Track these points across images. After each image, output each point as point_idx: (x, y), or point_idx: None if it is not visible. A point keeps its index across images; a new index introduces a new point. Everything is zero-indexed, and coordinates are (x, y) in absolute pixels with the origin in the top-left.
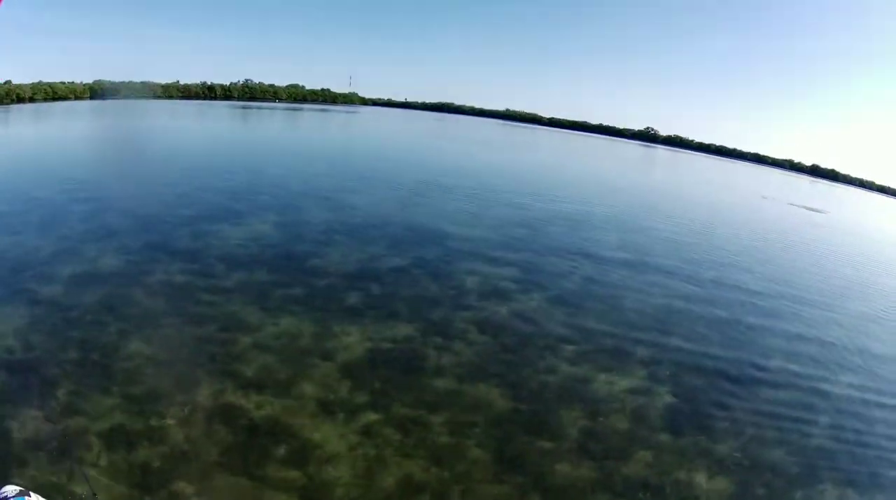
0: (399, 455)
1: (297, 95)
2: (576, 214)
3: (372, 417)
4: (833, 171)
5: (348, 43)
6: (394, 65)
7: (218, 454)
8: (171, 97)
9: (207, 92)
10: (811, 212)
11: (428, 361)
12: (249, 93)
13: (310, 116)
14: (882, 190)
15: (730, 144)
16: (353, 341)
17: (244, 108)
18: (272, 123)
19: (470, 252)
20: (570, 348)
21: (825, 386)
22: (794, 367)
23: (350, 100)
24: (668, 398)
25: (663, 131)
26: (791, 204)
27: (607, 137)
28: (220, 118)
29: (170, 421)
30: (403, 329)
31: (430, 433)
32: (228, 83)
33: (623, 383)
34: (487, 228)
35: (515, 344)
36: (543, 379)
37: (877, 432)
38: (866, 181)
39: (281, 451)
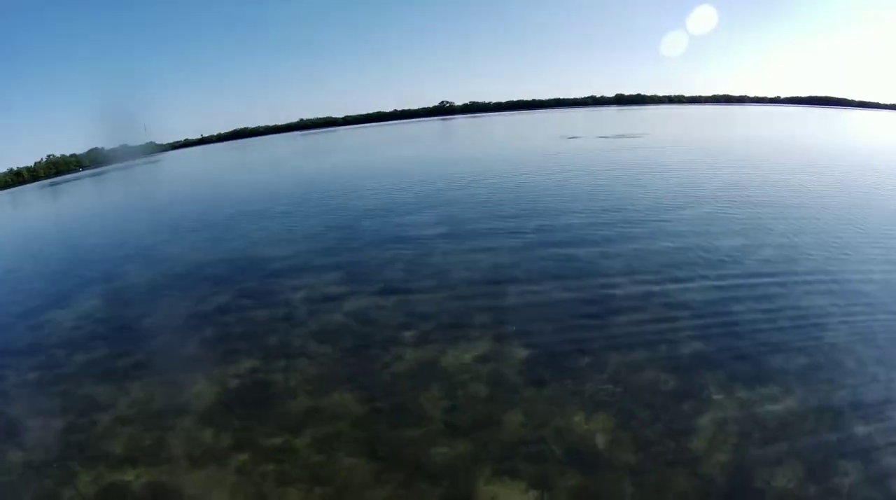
0: (278, 486)
1: (98, 159)
2: (386, 203)
3: (241, 457)
4: (639, 95)
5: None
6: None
7: None
8: None
9: (16, 178)
10: (623, 139)
11: (277, 386)
12: (55, 169)
13: (112, 176)
14: (694, 100)
15: (528, 97)
16: (201, 389)
17: (52, 185)
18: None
19: (291, 268)
20: (410, 333)
21: (678, 294)
22: (641, 285)
23: (149, 150)
24: (521, 353)
25: (458, 102)
26: (602, 137)
27: (404, 121)
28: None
29: None
30: (246, 363)
31: (300, 456)
32: (33, 163)
33: (471, 352)
34: (304, 240)
35: (357, 345)
36: (393, 371)
37: (744, 320)
38: (673, 97)
39: None
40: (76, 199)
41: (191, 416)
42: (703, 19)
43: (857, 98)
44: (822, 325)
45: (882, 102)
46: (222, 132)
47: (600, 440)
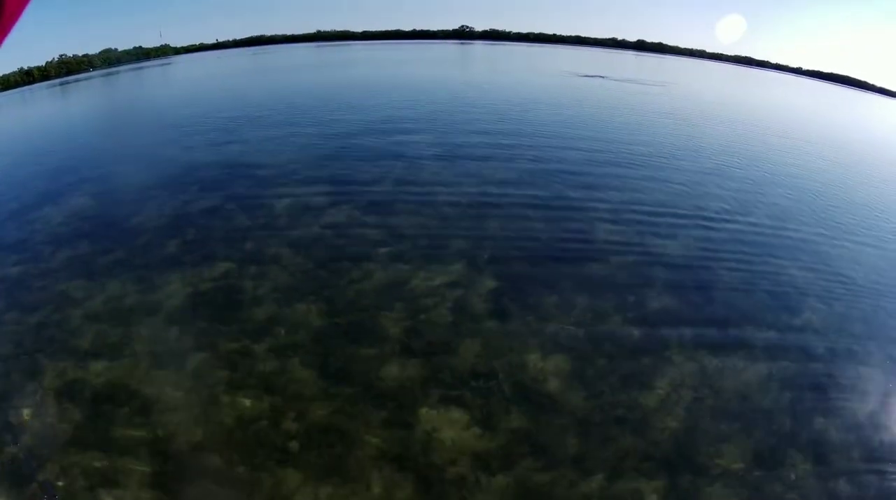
0: (231, 389)
1: (111, 60)
2: (387, 119)
3: (200, 358)
4: (660, 44)
5: None
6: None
7: (72, 431)
8: None
9: (26, 77)
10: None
11: (245, 293)
12: (66, 68)
13: (122, 77)
14: (715, 57)
15: (549, 31)
16: (174, 289)
17: (62, 85)
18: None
19: (281, 176)
20: (384, 251)
21: (661, 246)
22: (626, 230)
23: (164, 52)
24: (491, 284)
25: (479, 27)
26: (622, 80)
27: (423, 41)
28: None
29: (25, 413)
30: (220, 267)
31: (256, 362)
32: (44, 63)
33: (442, 277)
34: (300, 150)
35: (328, 258)
36: (360, 287)
37: (722, 283)
38: (695, 50)
39: (124, 412)
40: (83, 99)
41: (159, 315)
42: None
43: (876, 84)
44: (800, 300)
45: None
46: (238, 38)
47: (552, 384)
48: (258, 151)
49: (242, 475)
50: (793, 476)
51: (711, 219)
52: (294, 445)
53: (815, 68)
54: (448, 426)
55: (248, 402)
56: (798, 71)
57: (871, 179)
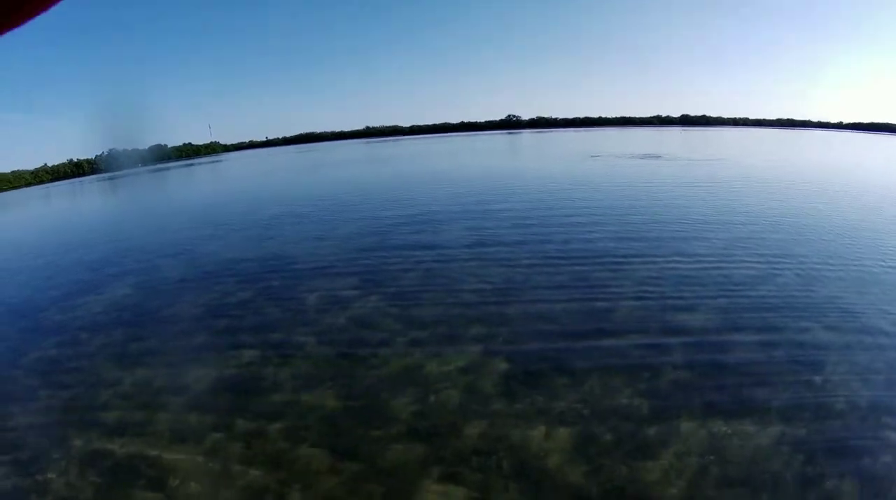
0: (243, 465)
1: (161, 155)
2: (421, 212)
3: (217, 436)
4: (703, 116)
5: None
6: (249, 105)
7: (92, 495)
8: (41, 182)
9: (75, 169)
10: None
11: (266, 379)
12: (116, 163)
13: (174, 173)
14: (758, 123)
15: (595, 114)
16: (199, 375)
17: (111, 179)
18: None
19: (315, 270)
20: (403, 340)
21: (676, 317)
22: (643, 305)
23: (213, 149)
24: (503, 366)
25: (525, 116)
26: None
27: (471, 133)
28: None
29: (51, 475)
30: (246, 355)
31: (268, 442)
32: (94, 156)
33: (456, 362)
34: (334, 245)
35: (350, 346)
36: (376, 373)
37: (739, 348)
38: (738, 119)
39: (142, 481)
40: (130, 194)
41: (183, 398)
42: None
43: None
44: (820, 360)
45: None
46: (287, 136)
47: (553, 459)
48: (297, 246)
49: None
50: None
51: (733, 289)
52: None
53: (855, 121)
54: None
55: (258, 476)
56: (839, 125)
57: None
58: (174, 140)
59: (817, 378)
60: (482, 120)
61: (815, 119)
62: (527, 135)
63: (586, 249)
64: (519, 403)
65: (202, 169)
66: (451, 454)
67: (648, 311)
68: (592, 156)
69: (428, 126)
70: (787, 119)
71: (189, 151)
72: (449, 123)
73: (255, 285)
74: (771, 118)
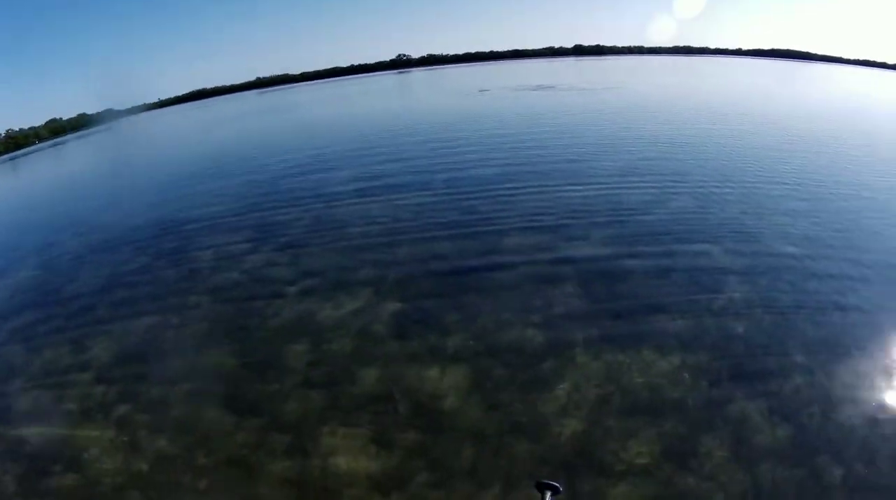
0: (149, 435)
1: (57, 129)
2: (311, 158)
3: (124, 409)
4: (598, 46)
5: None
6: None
7: (15, 486)
8: None
9: None
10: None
11: (167, 342)
12: (14, 143)
13: (71, 146)
14: (655, 51)
15: (486, 49)
16: (103, 347)
17: (12, 160)
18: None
19: (208, 229)
20: (295, 289)
21: (567, 248)
22: (532, 236)
23: (107, 117)
24: (395, 307)
25: (415, 54)
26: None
27: (362, 75)
28: None
29: None
30: (145, 321)
31: (173, 408)
32: None
33: (347, 307)
34: (226, 201)
35: (245, 301)
36: (271, 326)
37: (634, 274)
38: (634, 47)
39: (59, 465)
40: (27, 174)
41: (88, 373)
42: None
43: (819, 52)
44: (717, 287)
45: (845, 56)
46: (180, 94)
47: (449, 399)
48: (190, 206)
49: None
50: (707, 467)
51: (625, 212)
52: (204, 483)
53: (755, 47)
54: (345, 451)
55: (164, 444)
56: (738, 52)
57: (803, 151)
58: (69, 112)
59: (717, 302)
60: (373, 61)
61: (712, 46)
62: (417, 73)
63: (475, 182)
64: (412, 343)
65: (98, 138)
66: (348, 400)
67: (540, 241)
68: (482, 90)
69: (319, 72)
70: (685, 46)
71: (84, 122)
72: (339, 67)
73: (150, 251)
74: (667, 46)
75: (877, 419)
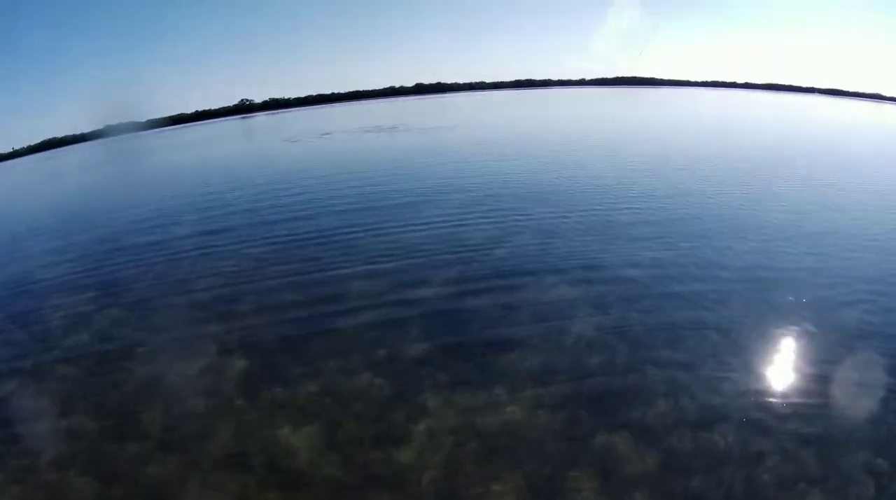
0: None
1: None
2: (154, 212)
3: None
4: (439, 83)
5: None
6: None
7: None
8: None
9: None
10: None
11: (28, 409)
12: None
13: None
14: (498, 86)
15: (327, 91)
16: None
17: None
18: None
19: (55, 288)
20: (144, 349)
21: (411, 291)
22: (368, 296)
23: None
24: (241, 363)
25: (258, 99)
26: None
27: (206, 122)
28: None
29: None
30: (6, 387)
31: (40, 475)
32: None
33: (195, 364)
34: (73, 256)
35: (97, 363)
36: (124, 388)
37: (481, 314)
38: (475, 83)
39: None
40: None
41: None
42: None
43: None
44: (567, 318)
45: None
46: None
47: (304, 455)
48: (36, 263)
49: None
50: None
51: (469, 250)
52: None
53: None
54: None
55: None
56: (582, 82)
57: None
58: None
59: (568, 336)
60: (216, 107)
61: (555, 78)
62: (261, 118)
63: (314, 229)
64: (261, 399)
65: None
66: (206, 460)
67: (381, 284)
68: (323, 134)
69: (162, 119)
70: (526, 80)
71: None
72: (184, 114)
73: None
74: (508, 80)
75: (746, 437)
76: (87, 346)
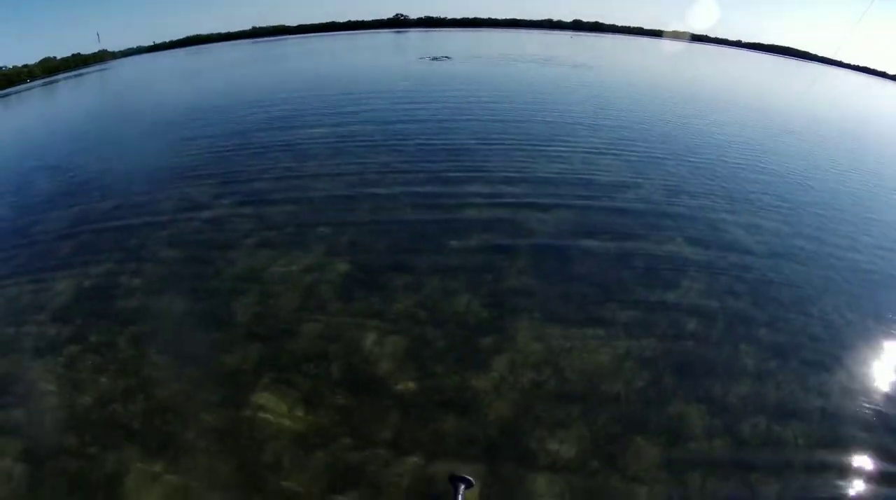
0: (94, 375)
1: (50, 69)
2: (287, 112)
3: (73, 349)
4: (596, 23)
5: None
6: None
7: None
8: None
9: None
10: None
11: (121, 287)
12: (6, 80)
13: (63, 85)
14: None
15: (484, 15)
16: (61, 288)
17: (3, 98)
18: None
19: (179, 177)
20: (252, 240)
21: (528, 222)
22: (494, 209)
23: (101, 58)
24: (344, 267)
25: (413, 15)
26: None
27: (358, 31)
28: None
29: None
30: (104, 265)
31: (118, 351)
32: None
33: (299, 262)
34: (200, 151)
35: (201, 250)
36: (223, 275)
37: (588, 255)
38: (633, 27)
39: (12, 398)
40: (18, 113)
41: (45, 312)
42: None
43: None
44: (678, 276)
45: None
46: (174, 39)
47: (383, 365)
48: (164, 155)
49: (93, 453)
50: (634, 468)
51: (592, 196)
52: (136, 424)
53: (754, 41)
54: (274, 407)
55: (107, 385)
56: (738, 44)
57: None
58: (63, 52)
59: (671, 295)
60: (369, 19)
61: (712, 35)
62: (413, 34)
63: (447, 149)
64: (356, 305)
65: (90, 79)
66: (285, 358)
67: (500, 213)
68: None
69: (314, 25)
70: (683, 32)
71: (78, 62)
72: (336, 22)
73: (117, 197)
74: (666, 30)
75: (818, 440)
76: (196, 232)
